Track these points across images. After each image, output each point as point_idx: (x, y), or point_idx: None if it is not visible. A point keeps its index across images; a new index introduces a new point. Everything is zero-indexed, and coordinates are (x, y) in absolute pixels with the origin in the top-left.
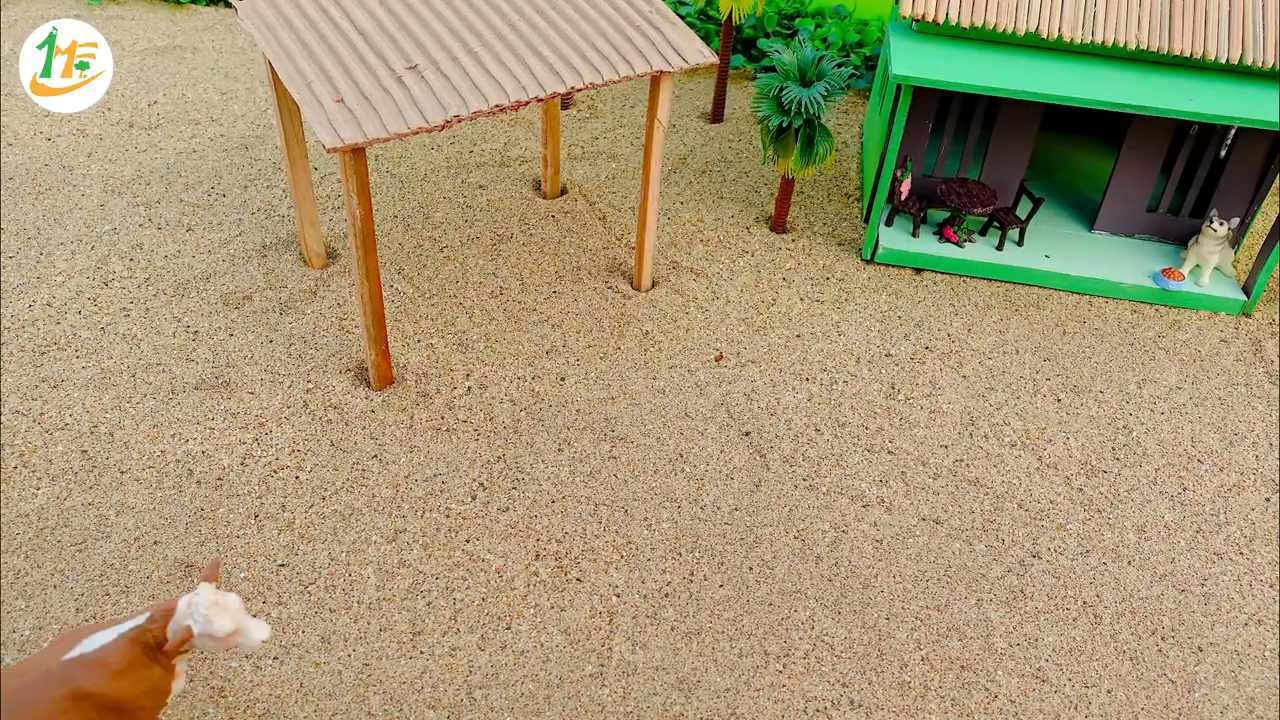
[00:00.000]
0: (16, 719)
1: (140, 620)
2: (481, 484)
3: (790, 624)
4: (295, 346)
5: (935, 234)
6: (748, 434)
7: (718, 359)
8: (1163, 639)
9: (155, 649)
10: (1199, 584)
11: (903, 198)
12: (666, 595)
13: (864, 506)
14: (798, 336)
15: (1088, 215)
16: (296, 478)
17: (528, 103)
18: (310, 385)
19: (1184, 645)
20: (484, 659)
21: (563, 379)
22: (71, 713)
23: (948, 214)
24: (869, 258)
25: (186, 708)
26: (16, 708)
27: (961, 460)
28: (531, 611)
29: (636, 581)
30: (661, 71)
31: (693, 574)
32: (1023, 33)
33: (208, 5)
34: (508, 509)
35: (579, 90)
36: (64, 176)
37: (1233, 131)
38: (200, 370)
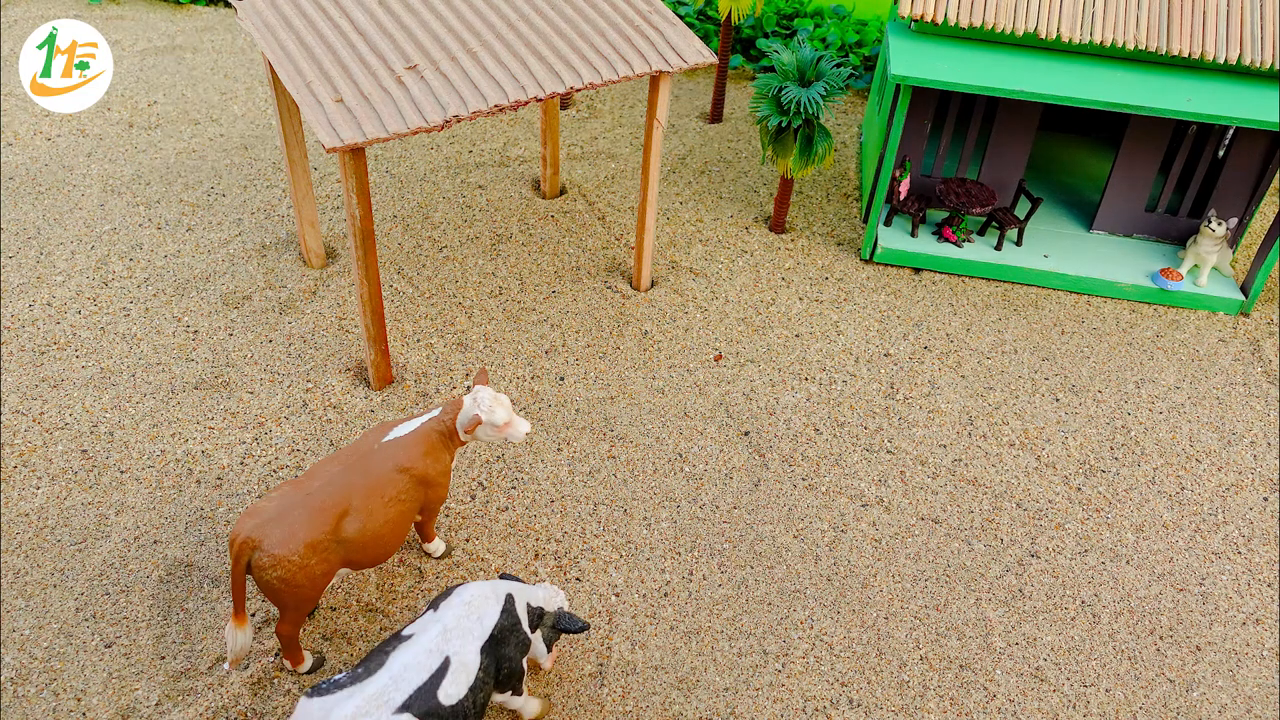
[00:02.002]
0: (361, 482)
1: (435, 413)
2: (481, 483)
3: (789, 623)
4: (295, 346)
5: (934, 234)
6: (747, 434)
7: (717, 359)
8: (1161, 638)
9: (448, 437)
10: (1197, 583)
11: (901, 197)
12: (666, 595)
13: (863, 506)
14: (797, 336)
15: (1086, 215)
16: (296, 477)
17: (527, 103)
18: (310, 385)
19: (1182, 644)
20: None
21: (562, 379)
22: (398, 480)
23: (946, 214)
24: (868, 257)
25: (200, 711)
26: (359, 476)
27: (960, 460)
28: None
29: (636, 581)
30: (661, 71)
31: (692, 573)
32: (1021, 33)
33: (208, 5)
34: (507, 508)
35: (578, 90)
36: (64, 176)
37: (1231, 131)
38: (200, 370)
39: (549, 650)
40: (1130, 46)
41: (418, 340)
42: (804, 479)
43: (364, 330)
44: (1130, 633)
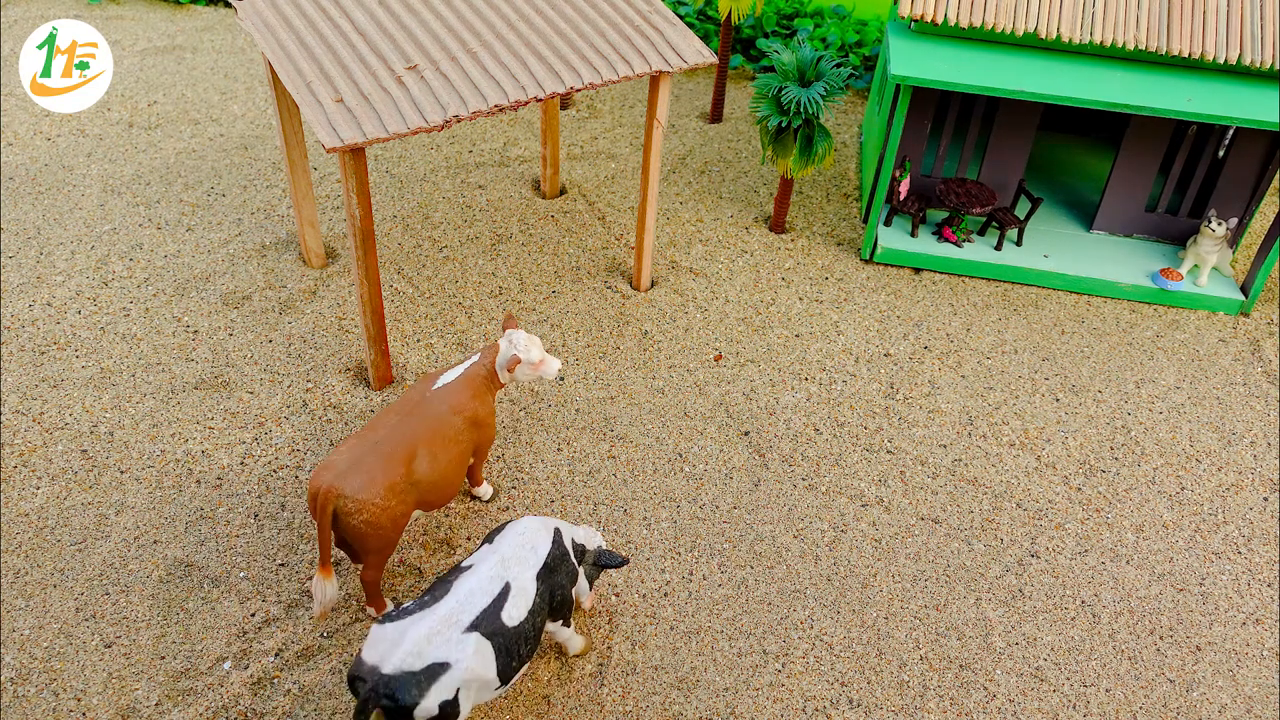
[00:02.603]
0: (423, 428)
1: (475, 359)
2: None
3: (789, 623)
4: (295, 346)
5: (934, 234)
6: (747, 434)
7: (717, 359)
8: (1161, 638)
9: (490, 379)
10: (1197, 583)
11: (901, 197)
12: (665, 595)
13: (863, 506)
14: (797, 336)
15: (1086, 215)
16: (296, 477)
17: (527, 103)
18: (310, 385)
19: (1182, 644)
20: None
21: (562, 379)
22: (454, 422)
23: (946, 214)
24: (868, 257)
25: (203, 709)
26: (419, 422)
27: (960, 460)
28: None
29: (636, 581)
30: (660, 71)
31: (692, 573)
32: (1021, 33)
33: (208, 5)
34: (508, 508)
35: (578, 90)
36: (64, 176)
37: (1231, 131)
38: (200, 370)
39: (590, 588)
40: (1130, 46)
41: (418, 340)
42: (804, 479)
43: (364, 330)
44: (1130, 633)
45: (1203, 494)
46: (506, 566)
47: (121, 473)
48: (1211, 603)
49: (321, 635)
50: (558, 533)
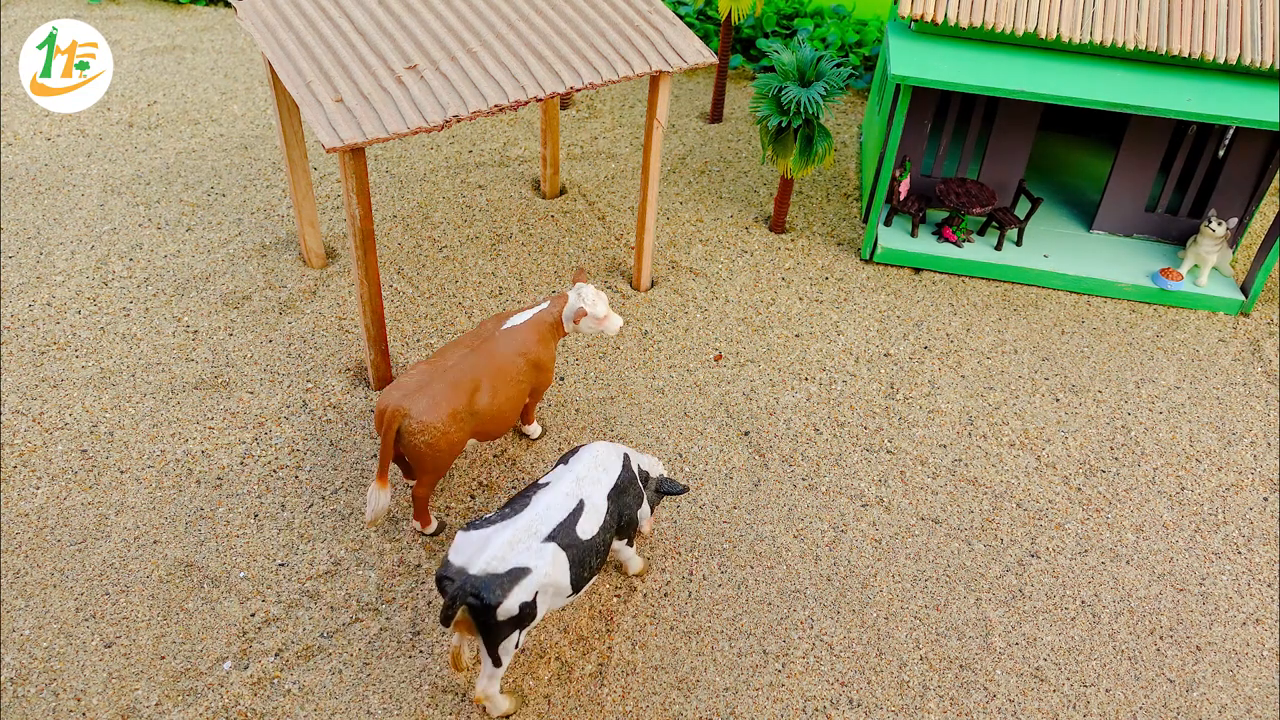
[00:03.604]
0: (488, 363)
1: (544, 306)
2: (481, 483)
3: (789, 623)
4: (295, 346)
5: (934, 234)
6: (747, 434)
7: (717, 359)
8: (1161, 638)
9: (554, 328)
10: (1197, 583)
11: (901, 197)
12: (666, 595)
13: (863, 506)
14: (797, 336)
15: (1086, 215)
16: (296, 477)
17: (527, 103)
18: (310, 385)
19: (1182, 644)
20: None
21: (562, 379)
22: (517, 362)
23: (946, 214)
24: (868, 257)
25: (204, 710)
26: (485, 358)
27: (960, 460)
28: None
29: (636, 580)
30: (660, 71)
31: (692, 573)
32: (1021, 33)
33: (208, 5)
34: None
35: (578, 90)
36: (64, 176)
37: (1231, 131)
38: (200, 370)
39: (650, 513)
40: (1130, 46)
41: (418, 340)
42: (804, 479)
43: (364, 330)
44: (1130, 633)
45: (1203, 494)
46: (581, 485)
47: (121, 473)
48: (1211, 603)
49: (322, 635)
50: (627, 458)
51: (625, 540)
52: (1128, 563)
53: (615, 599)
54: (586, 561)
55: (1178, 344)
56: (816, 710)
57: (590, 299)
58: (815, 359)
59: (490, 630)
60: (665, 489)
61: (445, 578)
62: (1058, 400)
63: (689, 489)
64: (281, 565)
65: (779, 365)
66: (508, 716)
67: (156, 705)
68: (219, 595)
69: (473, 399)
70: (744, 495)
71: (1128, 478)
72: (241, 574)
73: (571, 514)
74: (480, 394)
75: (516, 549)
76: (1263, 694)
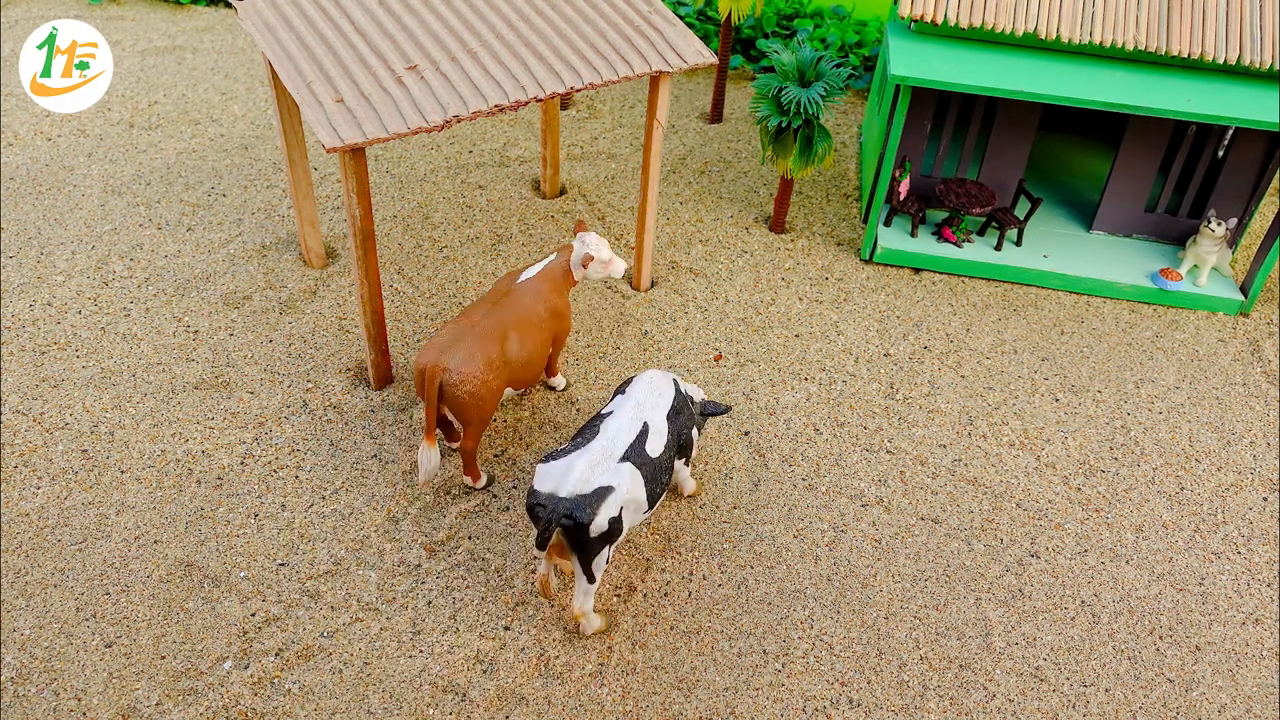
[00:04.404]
0: (513, 314)
1: (553, 258)
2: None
3: (789, 623)
4: (295, 346)
5: (934, 234)
6: (747, 434)
7: (717, 359)
8: (1161, 638)
9: (566, 276)
10: (1197, 583)
11: (901, 198)
12: (666, 594)
13: (863, 506)
14: (796, 336)
15: (1086, 215)
16: (296, 477)
17: (527, 103)
18: (310, 385)
19: (1182, 644)
20: (483, 658)
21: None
22: (539, 310)
23: (946, 214)
24: (868, 258)
25: (207, 708)
26: (509, 310)
27: (960, 460)
28: (531, 611)
29: (636, 580)
30: (660, 72)
31: (692, 573)
32: (1021, 33)
33: (208, 5)
34: (508, 508)
35: (578, 90)
36: (64, 176)
37: (1230, 132)
38: (200, 370)
39: (698, 435)
40: (1130, 47)
41: (418, 340)
42: (804, 479)
43: (364, 330)
44: (1130, 633)
45: (1202, 494)
46: (642, 410)
47: (122, 472)
48: (1211, 603)
49: (322, 635)
50: (677, 383)
51: (683, 460)
52: (1127, 563)
53: (615, 599)
54: (658, 478)
55: (1177, 344)
56: (816, 710)
57: (594, 244)
58: (815, 359)
59: (584, 548)
60: (709, 410)
61: (537, 505)
62: (1057, 400)
63: (731, 408)
64: (282, 565)
65: (779, 365)
66: (602, 631)
67: (157, 705)
68: (219, 595)
69: (504, 348)
70: (744, 495)
71: (1127, 478)
72: (242, 574)
73: (639, 436)
74: (510, 343)
75: (597, 471)
76: (1262, 694)
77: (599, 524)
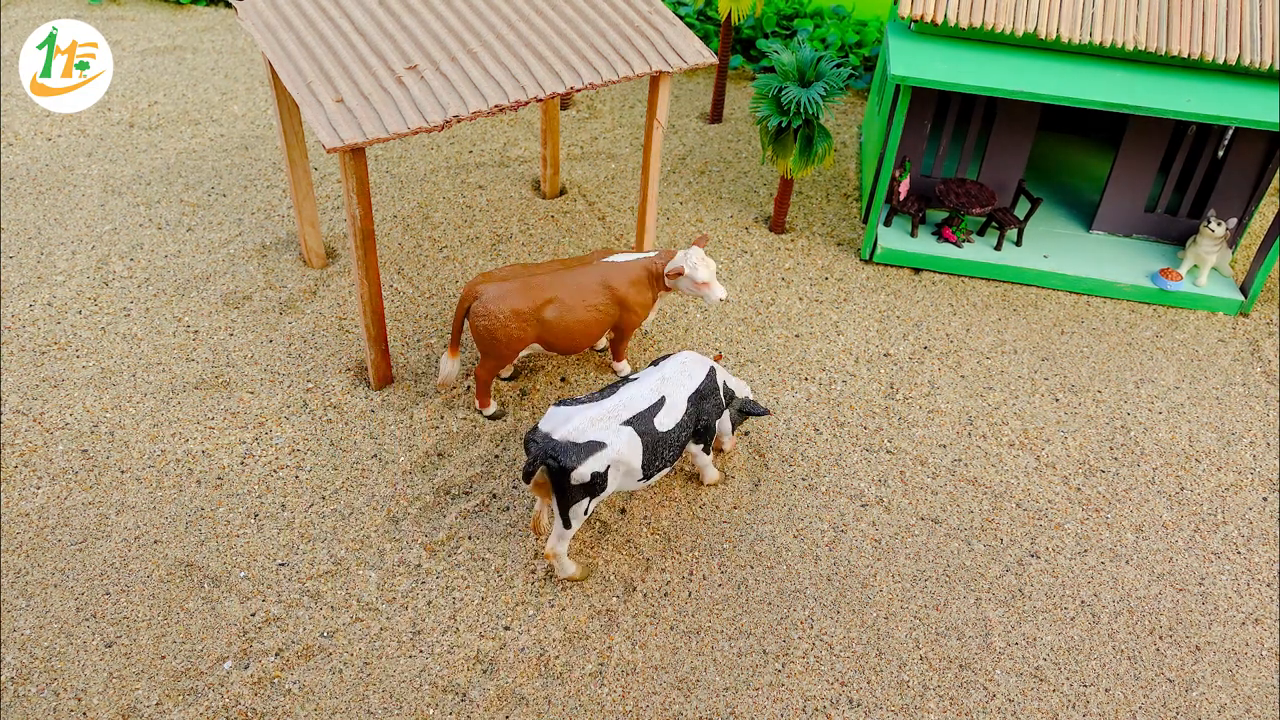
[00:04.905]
0: (571, 283)
1: (651, 254)
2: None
3: (789, 623)
4: (295, 346)
5: (934, 234)
6: (747, 434)
7: (717, 359)
8: (1160, 638)
9: (654, 277)
10: (1197, 583)
11: (901, 198)
12: (666, 594)
13: (863, 506)
14: (796, 336)
15: (1086, 215)
16: (296, 477)
17: (527, 103)
18: (310, 385)
19: (1182, 644)
20: (483, 658)
21: (563, 379)
22: (599, 292)
23: (946, 214)
24: (868, 258)
25: (207, 709)
26: (572, 278)
27: (960, 460)
28: (531, 611)
29: (636, 581)
30: (660, 72)
31: (692, 573)
32: (1021, 33)
33: (208, 6)
34: (508, 508)
35: (578, 90)
36: (64, 176)
37: (1230, 132)
38: (200, 370)
39: (731, 431)
40: (1130, 47)
41: (418, 340)
42: (804, 479)
43: (364, 330)
44: (1130, 633)
45: (1202, 494)
46: (665, 384)
47: (122, 472)
48: (1211, 602)
49: (322, 635)
50: (713, 370)
51: (702, 446)
52: (1127, 563)
53: (615, 599)
54: (659, 451)
55: (1177, 344)
56: (816, 710)
57: (693, 262)
58: (815, 359)
59: (564, 493)
60: (748, 409)
61: (532, 439)
62: (1057, 400)
63: (770, 412)
64: (282, 565)
65: (779, 365)
66: (577, 580)
67: (157, 705)
68: (219, 595)
69: (542, 307)
70: (744, 495)
71: (1127, 478)
72: (242, 574)
73: (652, 407)
74: (551, 306)
75: (597, 425)
76: (1262, 693)
77: (581, 474)
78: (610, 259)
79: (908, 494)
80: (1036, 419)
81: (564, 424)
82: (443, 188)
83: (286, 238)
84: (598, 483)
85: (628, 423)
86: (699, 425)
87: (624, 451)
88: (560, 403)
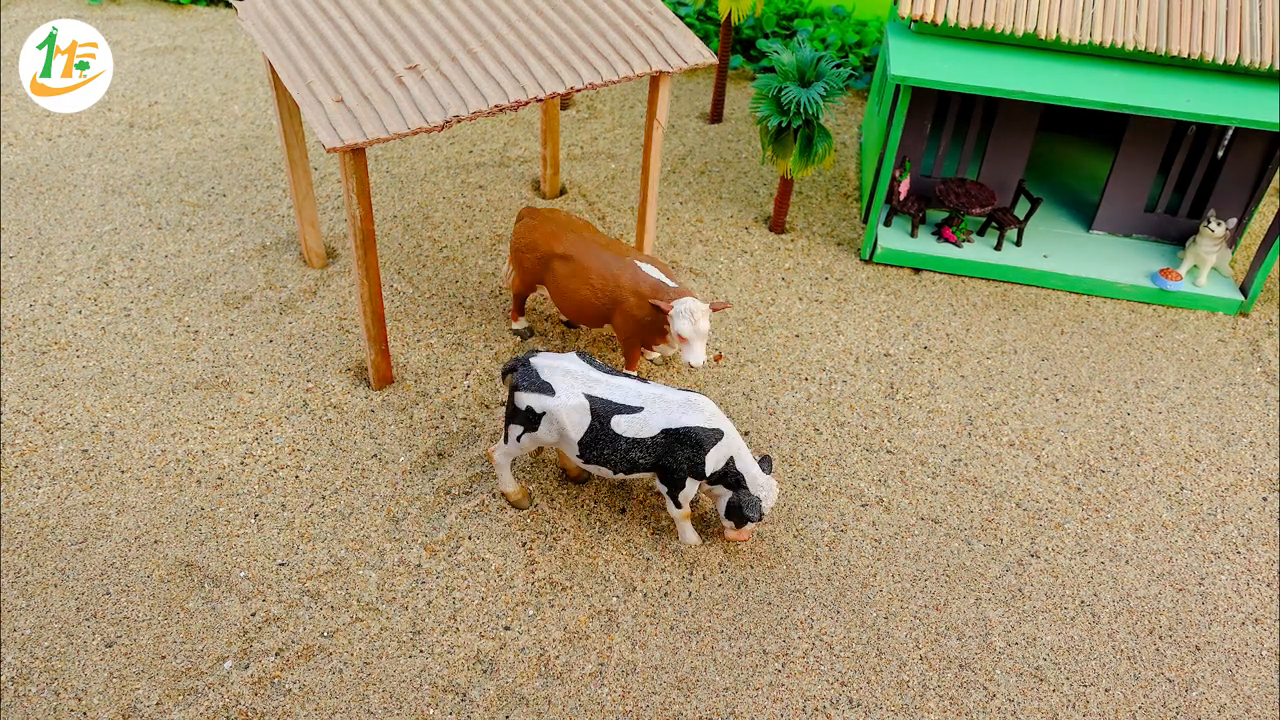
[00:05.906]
0: (593, 257)
1: (671, 284)
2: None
3: (789, 623)
4: (295, 346)
5: (934, 234)
6: (747, 434)
7: (717, 359)
8: (1160, 638)
9: (651, 296)
10: (1196, 583)
11: (901, 198)
12: (666, 594)
13: (863, 506)
14: (796, 336)
15: (1086, 215)
16: (296, 477)
17: (527, 103)
18: (310, 385)
19: (1181, 644)
20: (483, 658)
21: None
22: (607, 280)
23: (946, 214)
24: (868, 258)
25: (209, 707)
26: (597, 252)
27: (960, 460)
28: (531, 611)
29: (636, 581)
30: (661, 72)
31: (692, 573)
32: (1021, 33)
33: (208, 5)
34: (508, 508)
35: (578, 90)
36: (64, 176)
37: (1230, 132)
38: (200, 370)
39: (727, 516)
40: (1130, 47)
41: (418, 340)
42: (804, 479)
43: (364, 330)
44: (1130, 632)
45: (1202, 494)
46: (654, 402)
47: (122, 472)
48: (1211, 602)
49: (322, 635)
50: (717, 433)
51: (668, 491)
52: (1127, 562)
53: (615, 599)
54: (603, 443)
55: (1177, 344)
56: (816, 710)
57: (685, 310)
58: (815, 359)
59: (509, 405)
60: (739, 500)
61: (518, 359)
62: (1057, 400)
63: (762, 519)
64: (282, 565)
65: (779, 365)
66: (510, 501)
67: (157, 705)
68: (220, 595)
69: (553, 262)
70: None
71: (1127, 478)
72: (242, 573)
73: (624, 406)
74: (560, 268)
75: (562, 379)
76: (1262, 693)
77: (520, 398)
78: (640, 263)
79: (908, 494)
80: (1036, 419)
81: (552, 361)
82: (443, 188)
83: (286, 238)
84: (529, 419)
85: (589, 398)
86: (662, 464)
87: (568, 415)
88: (579, 353)
